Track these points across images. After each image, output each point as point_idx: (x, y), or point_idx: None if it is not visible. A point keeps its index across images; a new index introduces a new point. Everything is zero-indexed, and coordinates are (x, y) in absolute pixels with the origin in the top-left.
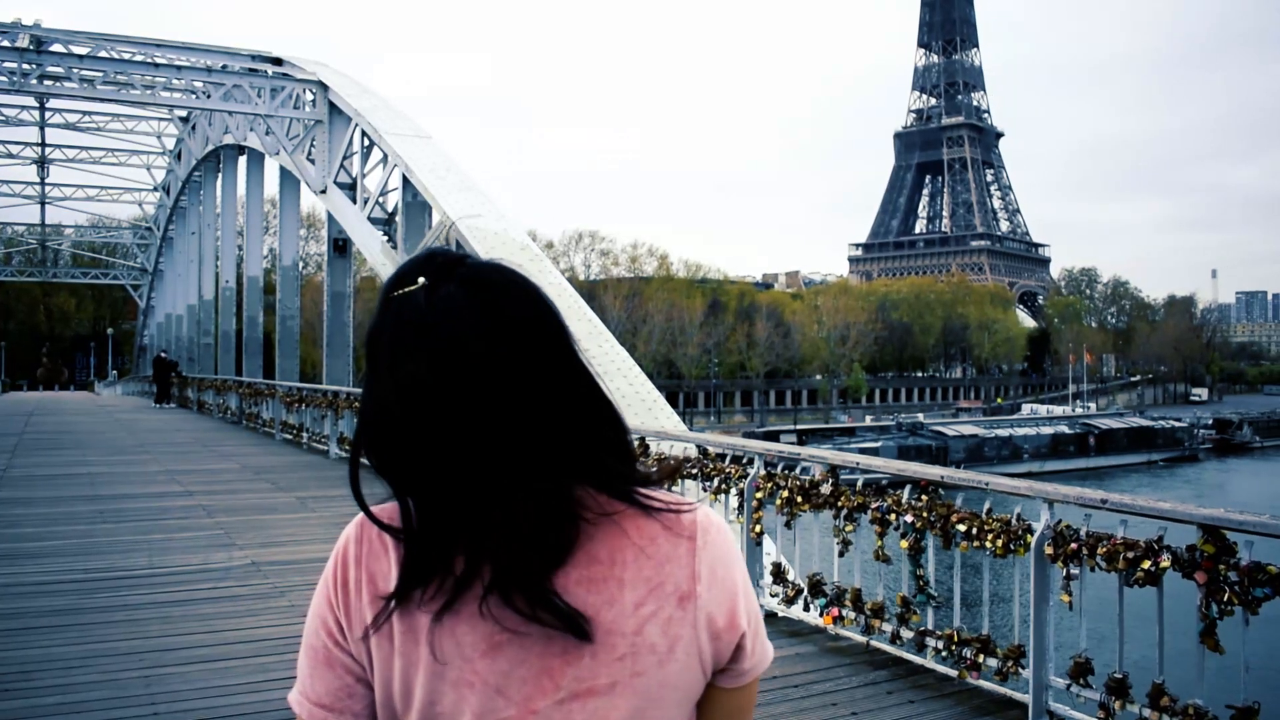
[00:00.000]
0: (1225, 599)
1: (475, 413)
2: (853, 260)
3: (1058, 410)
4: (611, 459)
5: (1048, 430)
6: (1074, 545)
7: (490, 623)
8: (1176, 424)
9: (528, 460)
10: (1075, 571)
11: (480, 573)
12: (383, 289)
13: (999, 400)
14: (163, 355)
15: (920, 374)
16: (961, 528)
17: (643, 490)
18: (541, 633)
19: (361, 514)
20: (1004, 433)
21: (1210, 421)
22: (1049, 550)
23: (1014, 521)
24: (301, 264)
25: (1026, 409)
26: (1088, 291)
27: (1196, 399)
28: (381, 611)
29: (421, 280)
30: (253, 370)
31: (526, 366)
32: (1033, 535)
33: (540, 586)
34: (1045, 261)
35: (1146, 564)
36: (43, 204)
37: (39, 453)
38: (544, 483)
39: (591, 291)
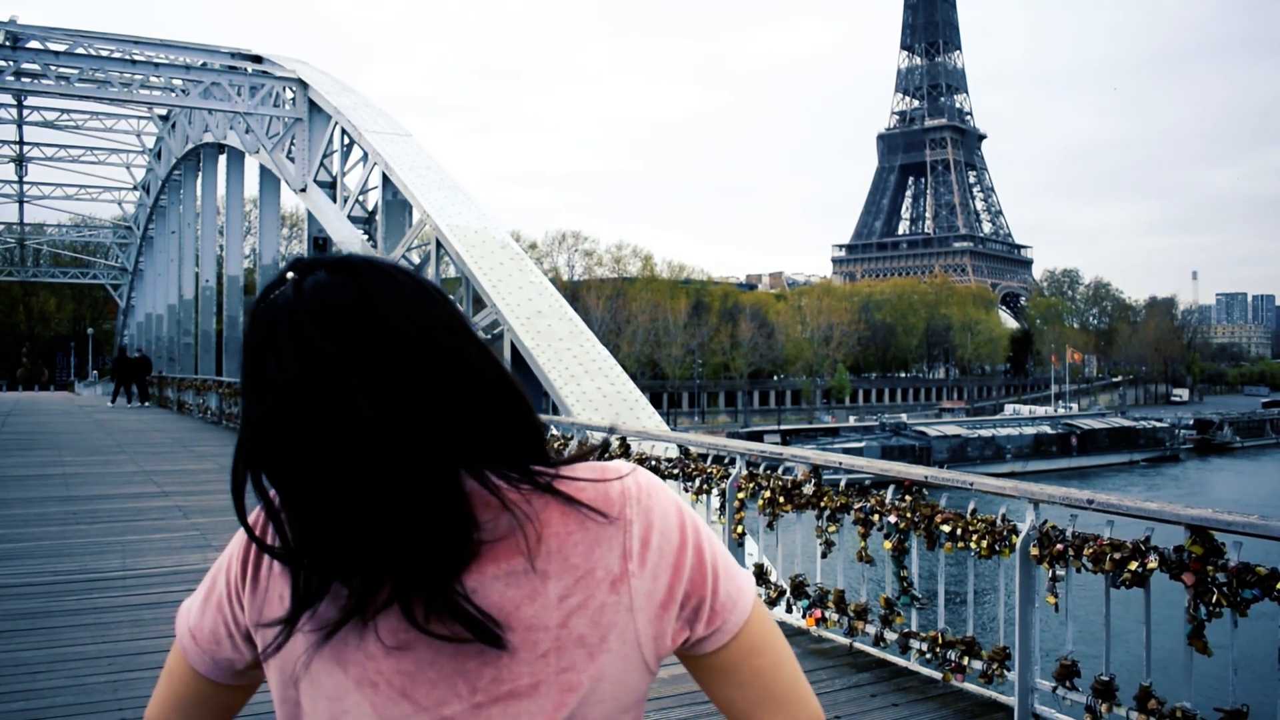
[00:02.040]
0: (1213, 600)
1: (353, 404)
2: (836, 261)
3: (1040, 410)
4: (521, 444)
5: (1030, 430)
6: (1060, 546)
7: (399, 619)
8: (1158, 424)
9: (418, 455)
10: (1061, 573)
11: (381, 585)
12: (251, 305)
13: (982, 401)
14: (138, 353)
15: (904, 374)
16: (946, 528)
17: (566, 470)
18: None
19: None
20: (987, 433)
21: (1191, 422)
22: (1034, 551)
23: (999, 522)
24: (282, 263)
25: (1009, 409)
26: (1070, 293)
27: (1177, 399)
28: (276, 638)
29: (290, 276)
30: (233, 370)
31: (409, 350)
32: (1018, 536)
33: (445, 590)
34: (1027, 263)
35: (1133, 565)
36: (21, 202)
37: (14, 453)
38: (425, 479)
39: (575, 292)
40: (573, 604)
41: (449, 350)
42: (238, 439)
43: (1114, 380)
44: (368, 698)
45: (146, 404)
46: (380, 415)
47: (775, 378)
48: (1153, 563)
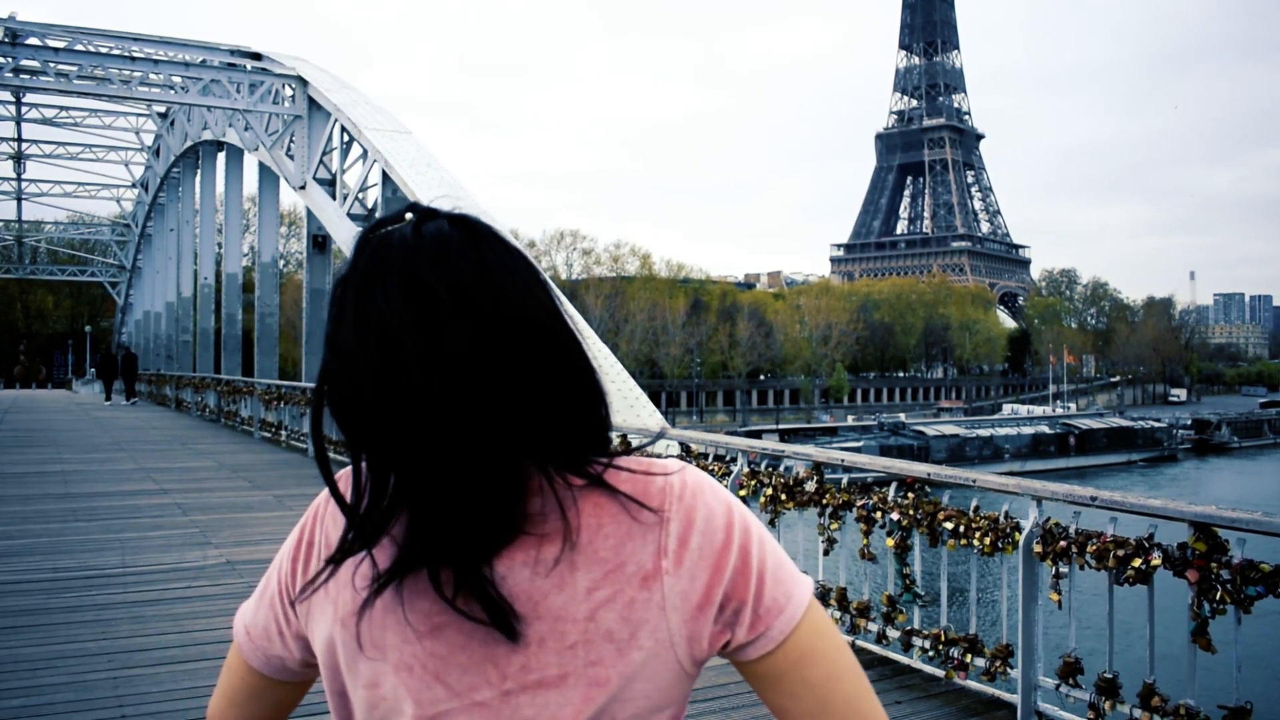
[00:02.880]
0: (1217, 597)
1: (457, 357)
2: (834, 261)
3: (1038, 410)
4: (583, 431)
5: (1028, 430)
6: (1063, 543)
7: (432, 601)
8: (1156, 424)
9: (491, 427)
10: (1064, 570)
11: (417, 554)
12: (359, 235)
13: (980, 400)
14: (124, 350)
15: (902, 374)
16: (949, 525)
17: (615, 461)
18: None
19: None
20: (985, 433)
21: (1189, 422)
22: (1037, 548)
23: (1002, 519)
24: (281, 262)
25: (1007, 409)
26: (1068, 293)
27: (1175, 399)
28: (317, 578)
29: (409, 216)
30: (231, 368)
31: (514, 320)
32: (1021, 533)
33: (473, 569)
34: (1025, 263)
35: (1137, 562)
36: (19, 200)
37: (12, 450)
38: (501, 455)
39: (573, 291)
40: (601, 597)
41: (549, 332)
42: (321, 369)
43: (1112, 380)
44: (404, 681)
45: (135, 400)
46: (478, 375)
47: (774, 377)
48: (1156, 560)
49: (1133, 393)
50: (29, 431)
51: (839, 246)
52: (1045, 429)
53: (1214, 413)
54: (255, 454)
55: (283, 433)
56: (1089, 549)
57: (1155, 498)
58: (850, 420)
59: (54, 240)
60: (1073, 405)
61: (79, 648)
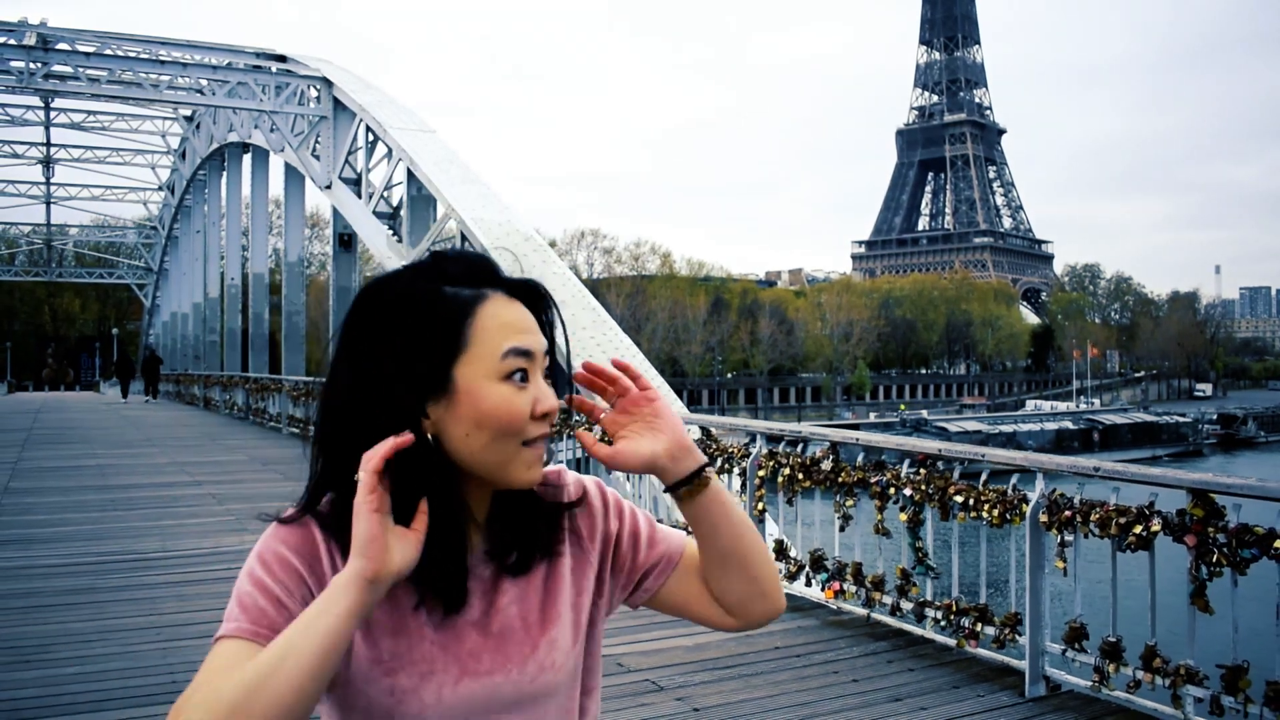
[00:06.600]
0: (1214, 560)
1: None
2: (856, 258)
3: (1061, 406)
4: None
5: (1052, 426)
6: (1067, 513)
7: None
8: (1181, 419)
9: None
10: (1069, 539)
11: None
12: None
13: (1003, 396)
14: (154, 352)
15: (924, 371)
16: (959, 499)
17: None
18: None
19: None
20: (1008, 429)
21: (1215, 417)
22: (1044, 518)
23: (1010, 492)
24: (306, 263)
25: (1030, 405)
26: (1091, 288)
27: (1201, 394)
28: None
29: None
30: (259, 366)
31: None
32: (1028, 505)
33: None
34: (1048, 258)
35: (1138, 529)
36: (48, 204)
37: (48, 446)
38: None
39: (594, 289)
40: None
41: None
42: None
43: (1136, 375)
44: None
45: (148, 399)
46: None
47: (795, 374)
48: (1156, 526)
49: (1157, 388)
50: (62, 430)
51: (860, 243)
52: (1069, 425)
53: (1240, 407)
54: (285, 448)
55: (311, 428)
56: (1092, 517)
57: (1155, 467)
58: (872, 417)
59: (81, 243)
60: (1096, 401)
61: (129, 622)
